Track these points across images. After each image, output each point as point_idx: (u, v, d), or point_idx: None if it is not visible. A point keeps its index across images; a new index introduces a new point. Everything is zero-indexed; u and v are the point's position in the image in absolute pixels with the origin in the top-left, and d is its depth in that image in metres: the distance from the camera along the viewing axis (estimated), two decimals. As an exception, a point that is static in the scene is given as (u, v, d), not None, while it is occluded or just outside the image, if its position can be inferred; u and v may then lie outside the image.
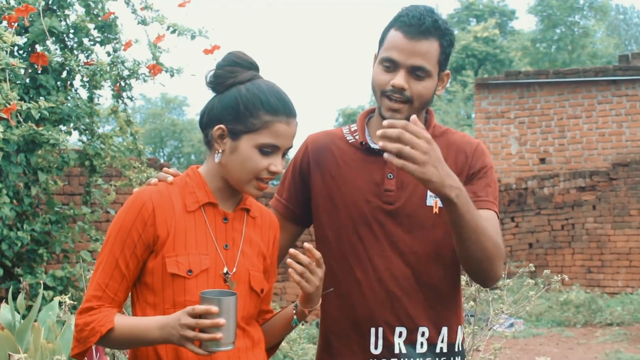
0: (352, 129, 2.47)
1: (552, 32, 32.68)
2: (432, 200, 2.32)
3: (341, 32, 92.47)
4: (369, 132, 2.44)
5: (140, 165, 6.44)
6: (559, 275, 3.37)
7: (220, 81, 2.11)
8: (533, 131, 15.11)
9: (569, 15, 32.57)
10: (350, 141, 2.44)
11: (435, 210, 2.32)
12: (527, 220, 14.18)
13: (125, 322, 2.02)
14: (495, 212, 2.35)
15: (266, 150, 2.07)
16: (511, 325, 10.93)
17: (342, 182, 2.39)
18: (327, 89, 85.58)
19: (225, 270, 2.10)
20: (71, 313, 4.46)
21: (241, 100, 2.07)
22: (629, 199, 13.53)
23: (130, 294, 2.14)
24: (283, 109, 2.08)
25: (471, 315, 3.34)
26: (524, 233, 14.19)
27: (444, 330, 2.34)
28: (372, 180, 2.36)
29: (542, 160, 15.06)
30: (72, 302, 3.77)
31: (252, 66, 2.14)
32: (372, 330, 2.32)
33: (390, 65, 2.28)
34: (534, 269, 3.48)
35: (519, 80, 15.22)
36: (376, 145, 2.29)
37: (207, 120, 2.13)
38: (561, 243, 13.97)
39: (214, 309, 1.88)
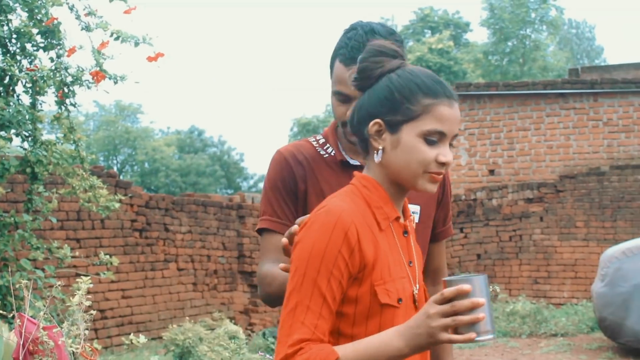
0: (321, 142, 2.41)
1: (504, 44, 33.11)
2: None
3: (294, 39, 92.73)
4: (342, 146, 2.39)
5: (83, 173, 6.38)
6: (493, 286, 3.40)
7: (366, 74, 1.87)
8: (483, 143, 15.27)
9: (521, 29, 33.01)
10: (325, 156, 2.37)
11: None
12: (476, 231, 14.31)
13: (347, 347, 1.74)
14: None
15: (431, 139, 1.81)
16: (458, 335, 11.03)
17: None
18: (281, 98, 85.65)
19: (414, 290, 1.88)
20: (6, 322, 4.40)
21: (395, 88, 1.83)
22: (575, 210, 13.74)
23: None
24: (442, 90, 1.84)
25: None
26: (473, 244, 14.32)
27: None
28: None
29: (491, 172, 15.22)
30: (3, 312, 3.71)
31: (398, 54, 1.90)
32: None
33: (344, 98, 2.27)
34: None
35: (469, 92, 15.38)
36: (355, 160, 2.34)
37: (359, 119, 1.88)
38: (509, 254, 14.13)
39: (466, 286, 1.62)
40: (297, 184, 2.35)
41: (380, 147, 1.85)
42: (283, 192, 2.35)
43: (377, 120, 1.84)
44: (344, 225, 1.76)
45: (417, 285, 1.88)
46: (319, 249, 1.75)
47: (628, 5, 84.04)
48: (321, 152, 2.38)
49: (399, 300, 1.80)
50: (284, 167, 2.36)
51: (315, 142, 2.42)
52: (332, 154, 2.38)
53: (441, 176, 1.85)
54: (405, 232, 1.91)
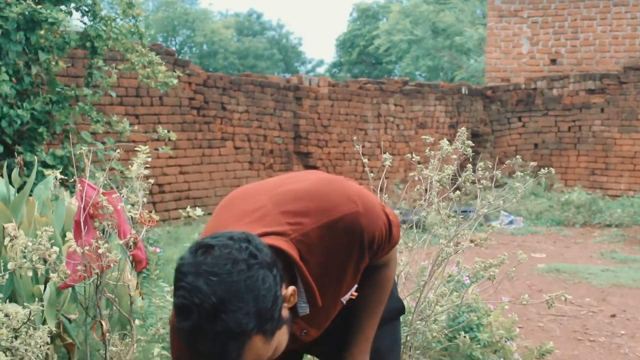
0: None
1: None
2: (348, 295, 2.07)
3: None
4: None
5: (142, 49, 6.43)
6: (546, 169, 3.39)
7: None
8: (546, 31, 14.90)
9: None
10: None
11: (354, 294, 2.11)
12: (534, 121, 14.14)
13: None
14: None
15: None
16: (511, 222, 11.06)
17: None
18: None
19: None
20: (67, 189, 4.53)
21: None
22: (638, 103, 13.45)
23: None
24: None
25: (463, 211, 3.41)
26: (530, 133, 14.18)
27: None
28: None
29: (553, 61, 14.90)
30: (65, 177, 3.81)
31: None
32: None
33: None
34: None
35: (534, -23, 14.92)
36: None
37: None
38: (567, 144, 13.97)
39: None
40: None
41: None
42: None
43: None
44: None
45: None
46: None
47: None
48: None
49: None
50: None
51: None
52: None
53: None
54: None
